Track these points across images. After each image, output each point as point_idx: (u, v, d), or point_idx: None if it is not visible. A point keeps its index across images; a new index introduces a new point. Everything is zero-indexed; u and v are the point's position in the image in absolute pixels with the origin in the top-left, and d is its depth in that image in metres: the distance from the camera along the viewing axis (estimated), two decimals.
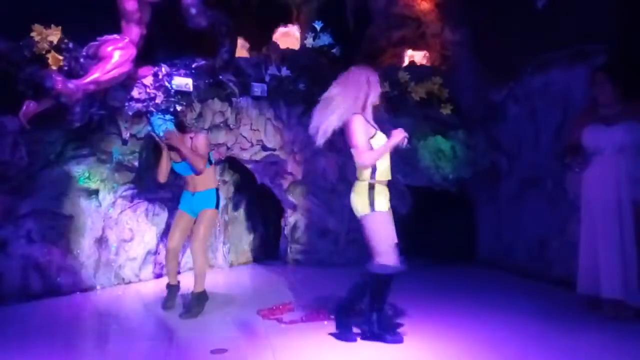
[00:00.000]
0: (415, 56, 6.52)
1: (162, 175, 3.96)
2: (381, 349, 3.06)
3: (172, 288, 4.00)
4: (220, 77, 5.03)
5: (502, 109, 5.35)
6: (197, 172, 3.82)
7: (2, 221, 4.18)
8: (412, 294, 4.03)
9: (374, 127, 3.15)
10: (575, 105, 4.26)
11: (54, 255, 4.37)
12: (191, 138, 3.87)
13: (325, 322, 3.53)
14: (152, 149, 4.47)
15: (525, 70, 4.92)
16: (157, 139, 3.97)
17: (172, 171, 4.01)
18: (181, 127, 4.00)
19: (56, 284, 4.37)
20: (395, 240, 3.08)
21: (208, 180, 3.93)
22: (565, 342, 3.10)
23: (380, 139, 3.11)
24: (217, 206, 3.94)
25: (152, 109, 4.34)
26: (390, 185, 3.21)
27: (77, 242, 4.50)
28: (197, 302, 3.81)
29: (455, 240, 5.89)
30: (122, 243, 4.75)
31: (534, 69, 4.83)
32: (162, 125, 3.83)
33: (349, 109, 3.07)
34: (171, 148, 3.85)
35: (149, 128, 4.02)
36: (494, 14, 5.36)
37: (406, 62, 6.54)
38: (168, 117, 3.91)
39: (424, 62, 6.56)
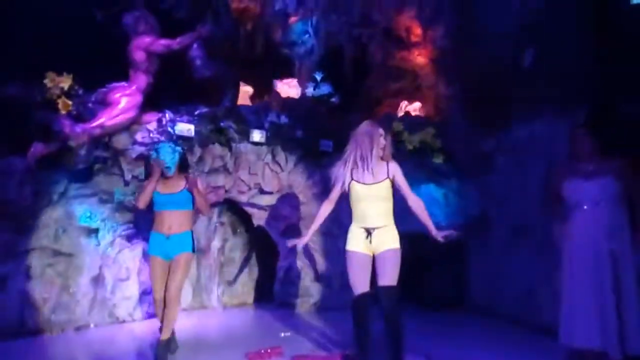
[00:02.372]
0: (410, 107, 6.81)
1: (144, 202, 3.79)
2: None
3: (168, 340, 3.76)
4: (222, 123, 5.28)
5: (491, 160, 5.54)
6: (190, 208, 3.83)
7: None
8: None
9: (359, 176, 3.40)
10: (559, 157, 4.43)
11: (51, 292, 4.47)
12: (186, 177, 3.88)
13: None
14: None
15: (511, 123, 5.14)
16: (155, 167, 3.79)
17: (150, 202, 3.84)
18: (183, 166, 3.93)
19: (51, 321, 4.45)
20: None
21: (186, 221, 3.81)
22: None
23: (356, 186, 3.40)
24: (193, 250, 3.84)
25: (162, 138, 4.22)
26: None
27: (75, 280, 4.61)
28: (168, 348, 3.74)
29: (448, 286, 5.93)
30: (118, 282, 4.85)
31: (519, 122, 5.05)
32: (171, 155, 3.78)
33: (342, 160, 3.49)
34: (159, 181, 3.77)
35: (154, 154, 3.82)
36: (484, 69, 5.65)
37: (402, 113, 6.82)
38: (178, 148, 3.86)
39: (419, 113, 6.84)
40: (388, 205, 3.42)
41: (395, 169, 3.45)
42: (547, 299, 4.55)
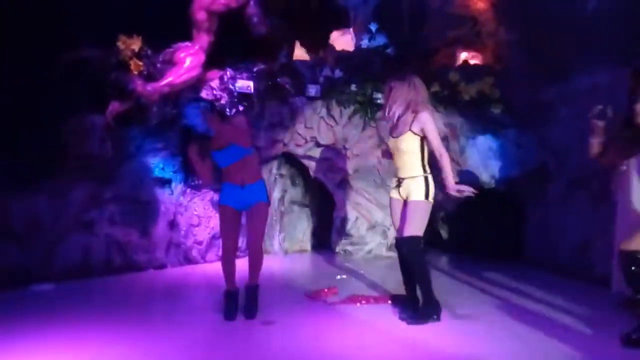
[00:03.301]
0: (469, 56, 6.64)
1: (206, 178, 3.63)
2: (417, 332, 3.35)
3: (233, 295, 3.63)
4: (278, 79, 5.49)
5: (551, 110, 5.38)
6: (248, 153, 3.55)
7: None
8: (457, 287, 4.22)
9: (390, 130, 3.71)
10: (620, 106, 4.28)
11: (132, 236, 5.02)
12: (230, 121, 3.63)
13: (358, 304, 3.93)
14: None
15: (573, 71, 4.96)
16: (193, 132, 3.48)
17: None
18: (220, 115, 3.68)
19: (133, 261, 5.02)
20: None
21: (256, 170, 3.68)
22: (586, 334, 3.25)
23: (390, 140, 3.68)
24: (267, 199, 3.69)
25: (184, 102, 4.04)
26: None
27: (152, 225, 5.13)
28: (257, 293, 3.72)
29: (503, 238, 5.96)
30: (190, 227, 5.34)
31: (581, 69, 4.86)
32: (200, 116, 3.41)
33: None
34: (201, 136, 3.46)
35: (185, 121, 3.52)
36: (547, 14, 5.41)
37: (459, 62, 6.68)
38: (203, 104, 3.55)
39: (477, 61, 6.67)
40: (412, 158, 3.50)
41: (422, 121, 3.43)
42: (601, 252, 4.54)
